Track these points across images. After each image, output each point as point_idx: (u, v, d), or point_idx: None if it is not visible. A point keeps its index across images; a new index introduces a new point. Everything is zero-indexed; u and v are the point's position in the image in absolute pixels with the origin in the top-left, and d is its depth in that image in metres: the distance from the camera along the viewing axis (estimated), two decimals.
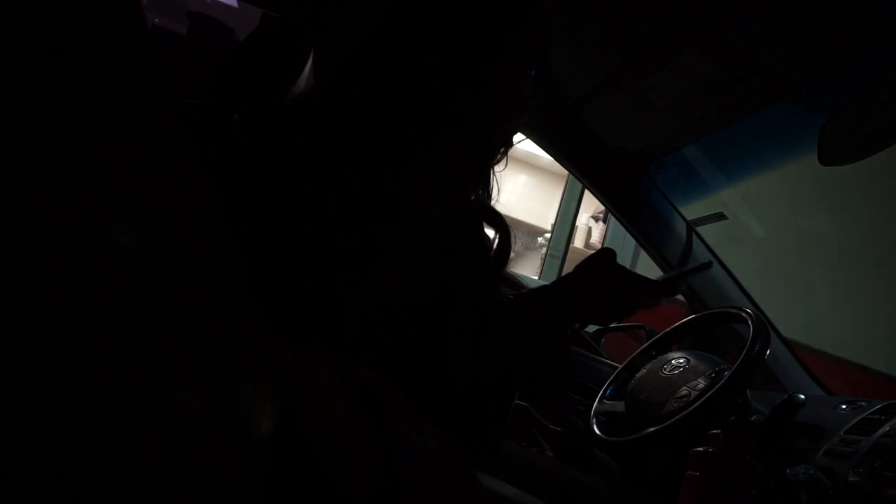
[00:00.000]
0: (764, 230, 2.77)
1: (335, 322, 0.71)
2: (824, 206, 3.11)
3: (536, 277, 4.37)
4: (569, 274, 0.85)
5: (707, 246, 1.65)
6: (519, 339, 0.81)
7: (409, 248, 0.74)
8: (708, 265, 0.94)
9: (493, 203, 0.93)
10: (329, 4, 1.47)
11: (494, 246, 0.93)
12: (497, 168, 0.92)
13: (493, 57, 0.80)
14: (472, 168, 0.87)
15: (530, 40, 0.83)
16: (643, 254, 2.04)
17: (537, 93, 0.85)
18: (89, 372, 0.21)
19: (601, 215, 4.83)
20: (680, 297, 1.71)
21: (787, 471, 0.86)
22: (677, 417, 1.02)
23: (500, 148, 0.87)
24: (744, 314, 1.15)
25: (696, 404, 1.01)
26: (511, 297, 0.87)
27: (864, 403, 1.02)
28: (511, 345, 0.80)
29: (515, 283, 2.08)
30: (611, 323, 0.91)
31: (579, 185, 4.31)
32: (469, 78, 0.79)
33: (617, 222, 1.99)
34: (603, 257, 0.85)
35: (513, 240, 0.94)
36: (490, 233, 0.96)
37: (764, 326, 1.08)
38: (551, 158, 1.68)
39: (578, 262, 0.87)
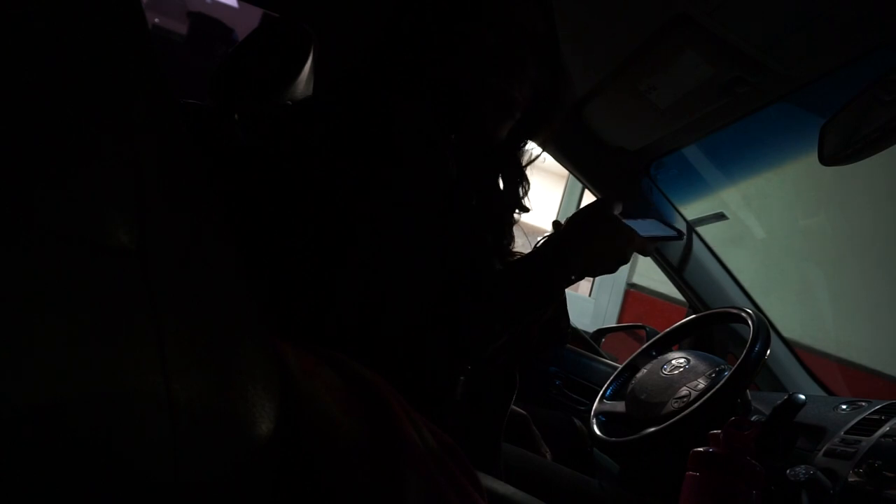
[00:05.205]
0: (764, 230, 2.77)
1: (335, 321, 0.71)
2: (825, 206, 3.11)
3: None
4: (565, 227, 0.81)
5: (707, 246, 1.65)
6: (517, 314, 0.79)
7: (410, 247, 0.74)
8: (680, 236, 0.88)
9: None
10: (329, 4, 1.47)
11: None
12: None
13: (499, 58, 0.81)
14: (474, 167, 0.88)
15: (538, 46, 0.84)
16: None
17: (545, 96, 0.87)
18: (89, 372, 0.21)
19: None
20: (680, 297, 1.71)
21: (788, 471, 0.86)
22: (677, 418, 1.02)
23: (510, 149, 0.88)
24: (744, 314, 1.15)
25: (696, 404, 1.01)
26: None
27: (864, 403, 1.02)
28: (510, 320, 0.79)
29: None
30: (604, 274, 0.82)
31: (579, 185, 4.31)
32: (475, 81, 0.80)
33: None
34: (600, 208, 0.81)
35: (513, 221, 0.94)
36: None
37: (764, 326, 1.08)
38: (551, 158, 1.68)
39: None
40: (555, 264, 0.78)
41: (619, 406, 1.21)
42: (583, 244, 0.78)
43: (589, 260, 0.79)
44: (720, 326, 1.50)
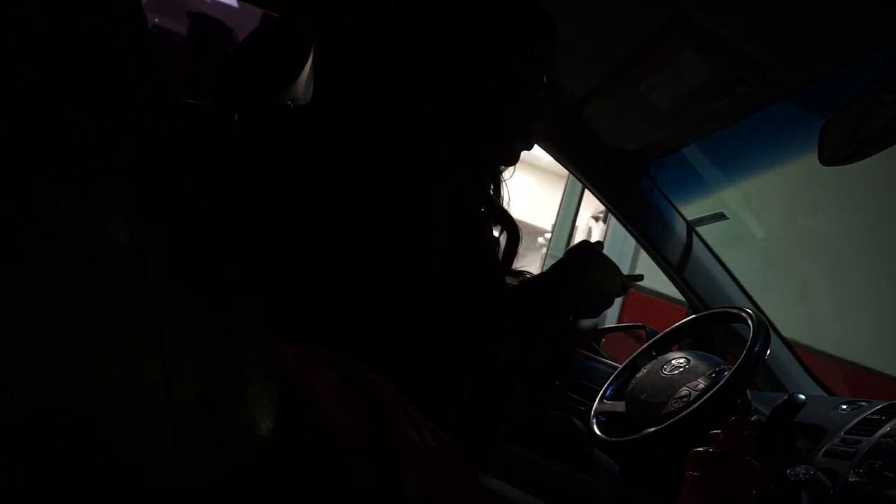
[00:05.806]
0: (764, 230, 2.77)
1: (335, 321, 0.71)
2: (825, 207, 3.11)
3: None
4: (558, 269, 0.86)
5: (707, 246, 1.65)
6: (522, 330, 0.81)
7: (410, 247, 0.75)
8: (640, 277, 0.97)
9: (503, 205, 0.94)
10: (329, 4, 1.47)
11: (502, 245, 0.94)
12: (506, 174, 0.94)
13: (500, 61, 0.81)
14: (477, 168, 0.88)
15: (537, 46, 0.84)
16: (643, 253, 2.04)
17: (545, 97, 0.87)
18: (89, 372, 0.21)
19: (601, 215, 4.83)
20: (680, 297, 1.71)
21: (788, 471, 0.86)
22: (677, 418, 1.02)
23: (510, 150, 0.89)
24: (744, 314, 1.15)
25: (696, 404, 1.01)
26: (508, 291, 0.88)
27: (864, 403, 1.02)
28: (515, 336, 0.80)
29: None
30: (597, 315, 0.93)
31: (579, 185, 4.32)
32: (475, 82, 0.81)
33: (617, 222, 2.00)
34: (585, 252, 0.86)
35: (521, 237, 0.96)
36: (496, 232, 0.97)
37: (764, 326, 1.08)
38: (551, 158, 1.68)
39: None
40: (554, 280, 0.83)
41: (619, 406, 1.21)
42: (579, 269, 0.84)
43: (586, 287, 0.84)
44: (720, 326, 1.50)
